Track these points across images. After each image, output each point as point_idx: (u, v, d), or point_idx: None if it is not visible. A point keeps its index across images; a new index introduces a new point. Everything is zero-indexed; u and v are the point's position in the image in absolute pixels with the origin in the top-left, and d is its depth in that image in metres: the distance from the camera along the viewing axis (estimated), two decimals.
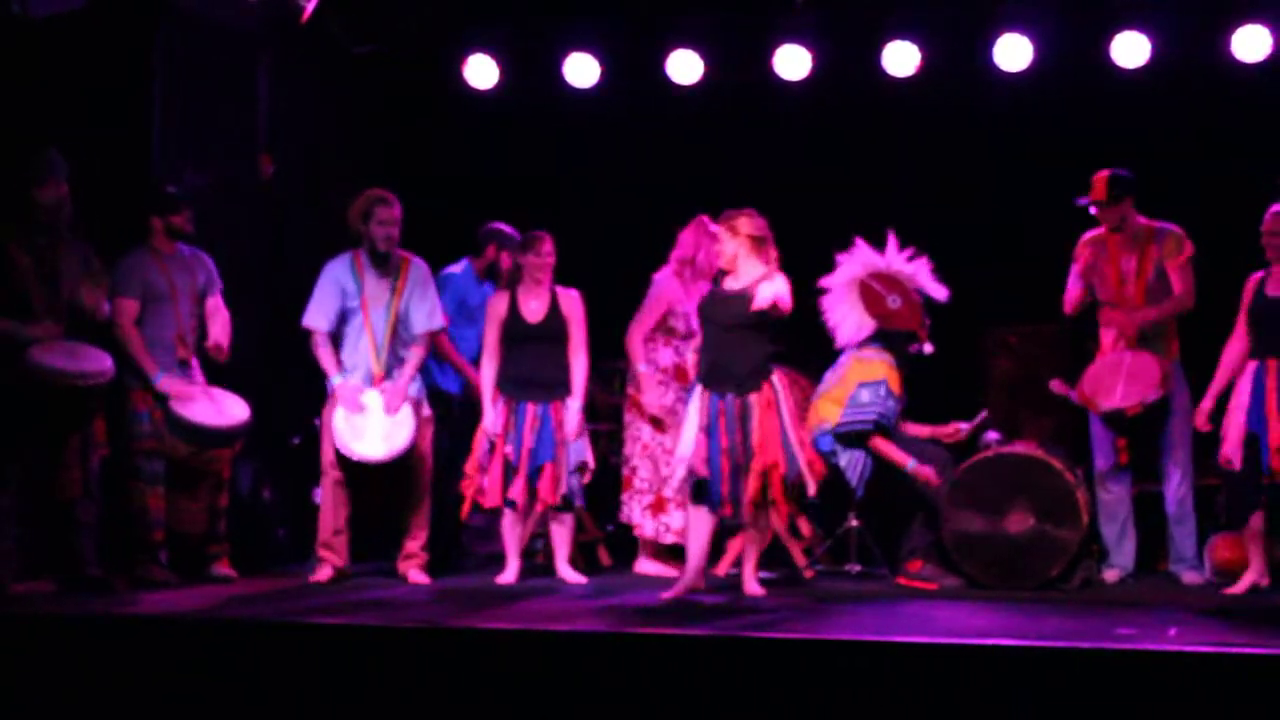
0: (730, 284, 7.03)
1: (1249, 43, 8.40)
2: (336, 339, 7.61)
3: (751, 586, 7.04)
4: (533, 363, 7.52)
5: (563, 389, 7.55)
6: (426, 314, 7.66)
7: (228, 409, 7.47)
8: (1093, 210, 7.66)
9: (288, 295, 7.80)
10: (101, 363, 6.99)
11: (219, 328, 7.57)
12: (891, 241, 7.70)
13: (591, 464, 7.64)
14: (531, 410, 7.49)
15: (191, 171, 8.09)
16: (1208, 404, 7.30)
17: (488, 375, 7.60)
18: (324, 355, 7.55)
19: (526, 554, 8.25)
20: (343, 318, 7.60)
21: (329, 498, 7.60)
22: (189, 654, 5.73)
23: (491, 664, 5.51)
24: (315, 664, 5.64)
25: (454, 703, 5.47)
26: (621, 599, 6.93)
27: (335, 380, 7.50)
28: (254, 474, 8.28)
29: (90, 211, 7.32)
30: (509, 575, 7.57)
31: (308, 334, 7.59)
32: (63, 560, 7.03)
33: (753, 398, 6.89)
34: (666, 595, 6.96)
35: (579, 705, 5.37)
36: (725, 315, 6.96)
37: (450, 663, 5.56)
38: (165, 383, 7.34)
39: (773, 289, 6.81)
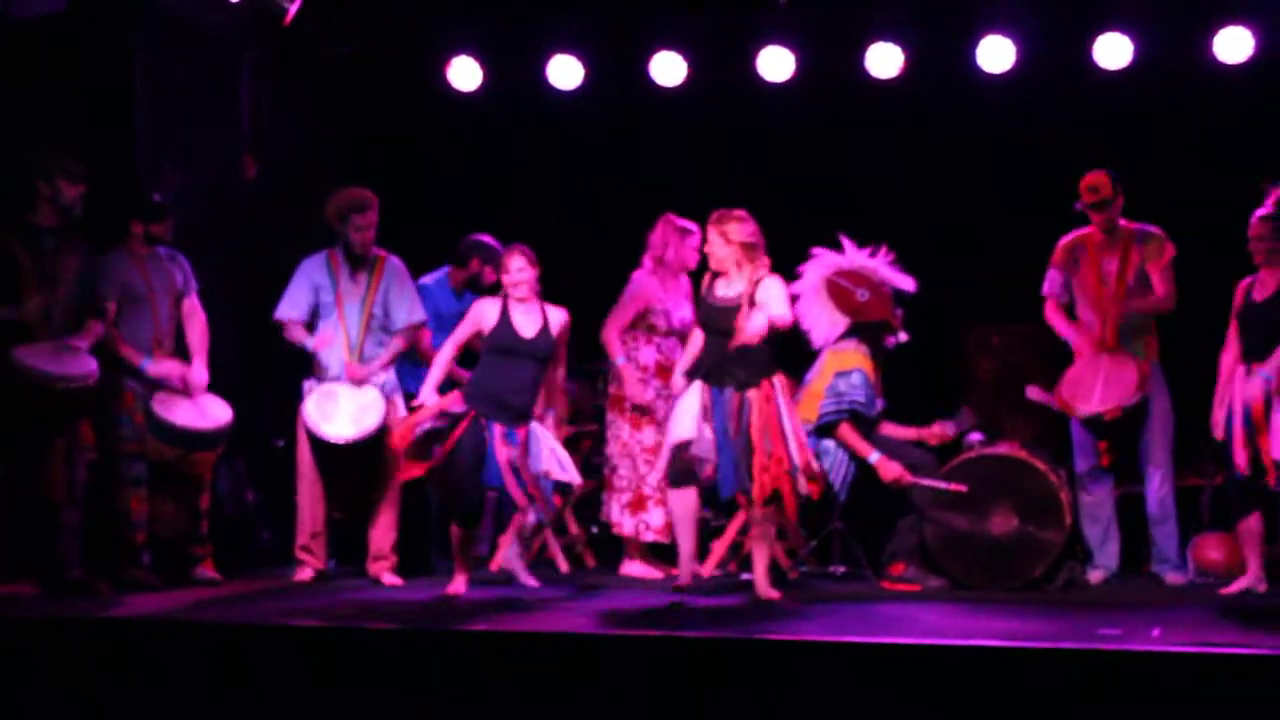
0: (724, 291, 6.98)
1: (1231, 44, 8.45)
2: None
3: (765, 589, 6.93)
4: (514, 381, 7.04)
5: (534, 411, 7.12)
6: (407, 309, 7.68)
7: (210, 411, 7.45)
8: (1093, 211, 7.61)
9: (270, 297, 7.78)
10: (86, 365, 6.97)
11: (197, 330, 7.55)
12: (847, 242, 7.70)
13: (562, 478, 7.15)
14: (499, 431, 7.00)
15: (173, 172, 8.08)
16: (1220, 413, 7.21)
17: (444, 357, 7.21)
18: (299, 334, 7.61)
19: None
20: (318, 314, 7.62)
21: (306, 500, 7.61)
22: (173, 657, 5.71)
23: (473, 667, 5.51)
24: (300, 667, 5.63)
25: (436, 705, 5.46)
26: (606, 601, 6.92)
27: (309, 343, 7.55)
28: (237, 477, 8.26)
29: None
30: (458, 585, 7.13)
31: (281, 327, 7.64)
32: (45, 563, 7.01)
33: (751, 394, 6.87)
34: (680, 583, 7.01)
35: (563, 708, 5.36)
36: (727, 326, 6.89)
37: (433, 665, 5.56)
38: (153, 367, 7.34)
39: (765, 314, 6.73)
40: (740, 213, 6.99)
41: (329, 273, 7.63)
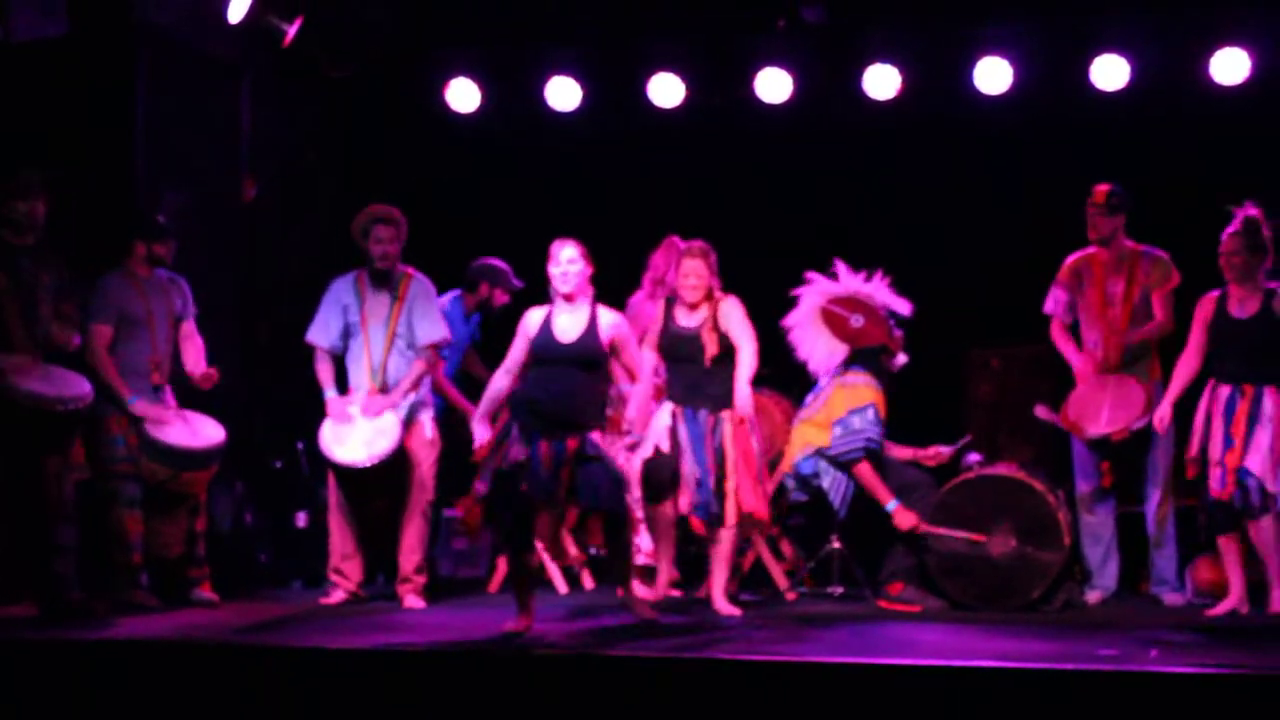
0: (687, 320, 7.19)
1: (1228, 65, 8.47)
2: (342, 357, 7.62)
3: (723, 605, 7.14)
4: (552, 391, 6.27)
5: (588, 422, 6.31)
6: (429, 327, 7.58)
7: (202, 431, 7.46)
8: (1088, 211, 7.62)
9: (268, 318, 7.78)
10: (79, 387, 6.97)
11: (194, 354, 7.56)
12: (841, 268, 7.72)
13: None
14: (545, 448, 6.23)
15: (172, 193, 8.10)
16: (1167, 410, 7.25)
17: (497, 385, 6.50)
18: (321, 370, 7.58)
19: None
20: (348, 334, 7.61)
21: (335, 523, 7.59)
22: (171, 679, 5.70)
23: (463, 687, 5.51)
24: (309, 689, 5.62)
25: None
26: (601, 621, 6.91)
27: (329, 394, 7.50)
28: (235, 498, 8.25)
29: (71, 233, 7.31)
30: (520, 622, 6.37)
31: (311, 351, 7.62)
32: (43, 584, 7.00)
33: (725, 414, 7.12)
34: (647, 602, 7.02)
35: None
36: (699, 353, 7.11)
37: (423, 686, 5.56)
38: (139, 406, 7.32)
39: (747, 332, 7.08)
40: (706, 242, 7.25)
41: (355, 293, 7.60)
